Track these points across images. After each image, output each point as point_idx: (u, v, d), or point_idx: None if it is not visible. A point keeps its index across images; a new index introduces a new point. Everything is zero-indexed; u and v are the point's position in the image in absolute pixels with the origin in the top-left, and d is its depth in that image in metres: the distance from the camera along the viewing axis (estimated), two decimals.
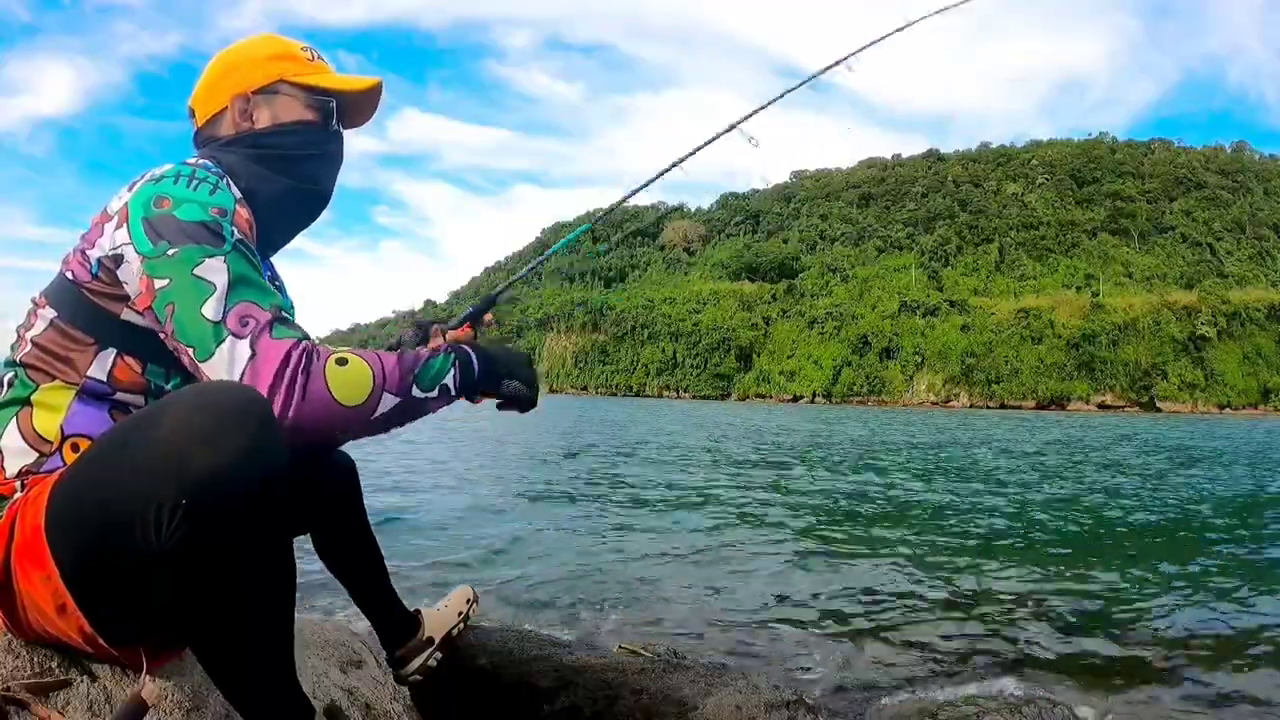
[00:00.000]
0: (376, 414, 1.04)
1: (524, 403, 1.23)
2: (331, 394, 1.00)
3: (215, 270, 1.03)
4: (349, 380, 1.01)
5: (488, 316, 1.43)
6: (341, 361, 1.02)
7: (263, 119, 1.25)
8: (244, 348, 0.99)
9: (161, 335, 1.07)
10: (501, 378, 1.20)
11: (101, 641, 1.01)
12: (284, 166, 1.24)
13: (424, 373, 1.09)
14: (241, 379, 0.98)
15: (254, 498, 0.93)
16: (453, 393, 1.13)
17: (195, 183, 1.09)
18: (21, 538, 0.99)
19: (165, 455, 0.89)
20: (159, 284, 1.02)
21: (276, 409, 0.96)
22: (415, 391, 1.08)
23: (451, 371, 1.12)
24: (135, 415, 1.01)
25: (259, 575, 1.01)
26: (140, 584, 0.95)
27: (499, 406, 1.24)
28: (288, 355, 0.99)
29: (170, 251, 1.03)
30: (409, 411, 1.08)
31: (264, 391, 0.96)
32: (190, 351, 1.01)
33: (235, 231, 1.08)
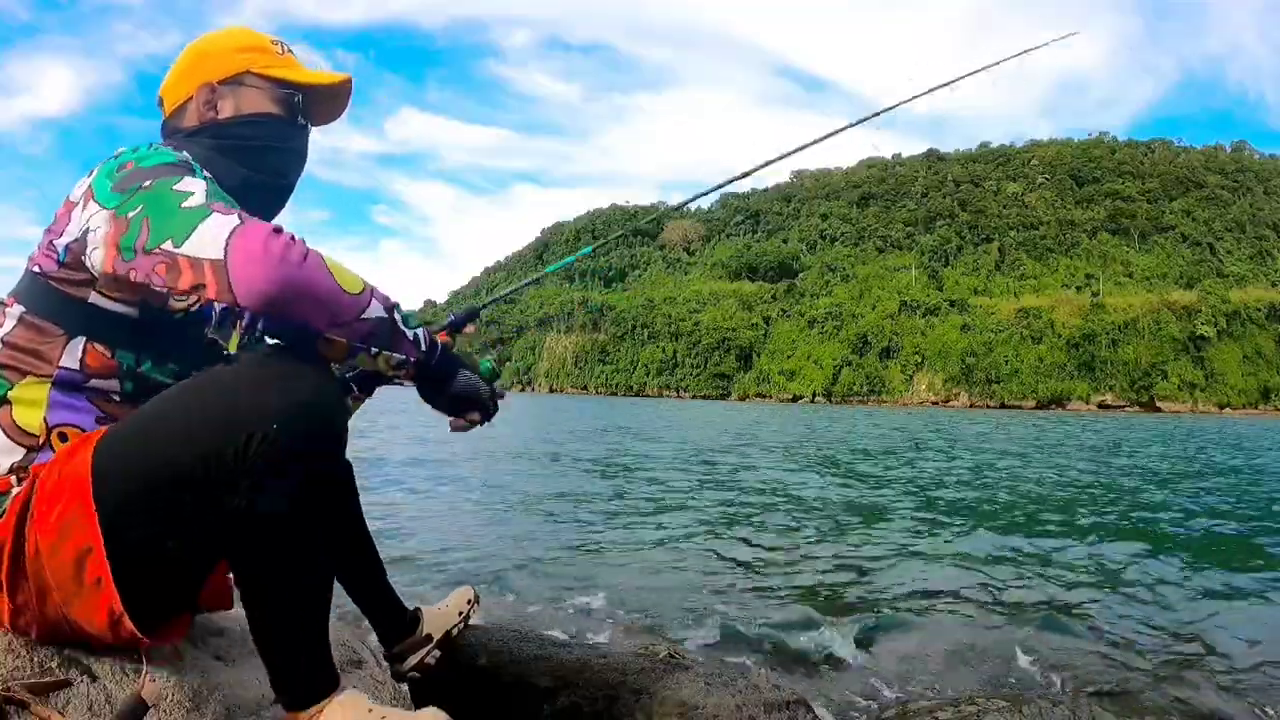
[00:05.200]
0: (364, 314, 1.02)
1: (480, 403, 1.22)
2: (329, 269, 0.99)
3: (194, 183, 1.03)
4: (344, 269, 1.01)
5: (469, 328, 1.43)
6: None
7: (226, 110, 1.24)
8: (232, 219, 0.97)
9: (129, 286, 1.05)
10: (459, 368, 1.19)
11: (123, 616, 1.01)
12: (244, 158, 1.23)
13: (402, 311, 1.10)
14: (230, 240, 0.95)
15: (332, 434, 1.02)
16: (421, 346, 1.12)
17: (155, 149, 1.11)
18: (44, 518, 0.99)
19: (247, 396, 0.96)
20: (132, 214, 1.00)
21: (274, 259, 0.93)
22: (397, 316, 1.07)
23: (422, 329, 1.13)
24: (200, 376, 1.04)
25: (315, 534, 1.03)
26: (198, 520, 0.98)
27: (455, 412, 1.22)
28: (278, 228, 0.98)
29: (145, 183, 1.02)
30: (386, 333, 1.06)
31: (260, 242, 0.94)
32: (166, 245, 0.97)
33: (205, 174, 1.09)
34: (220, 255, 0.94)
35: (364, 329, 1.03)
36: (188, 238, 0.96)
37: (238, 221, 0.97)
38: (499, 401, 1.26)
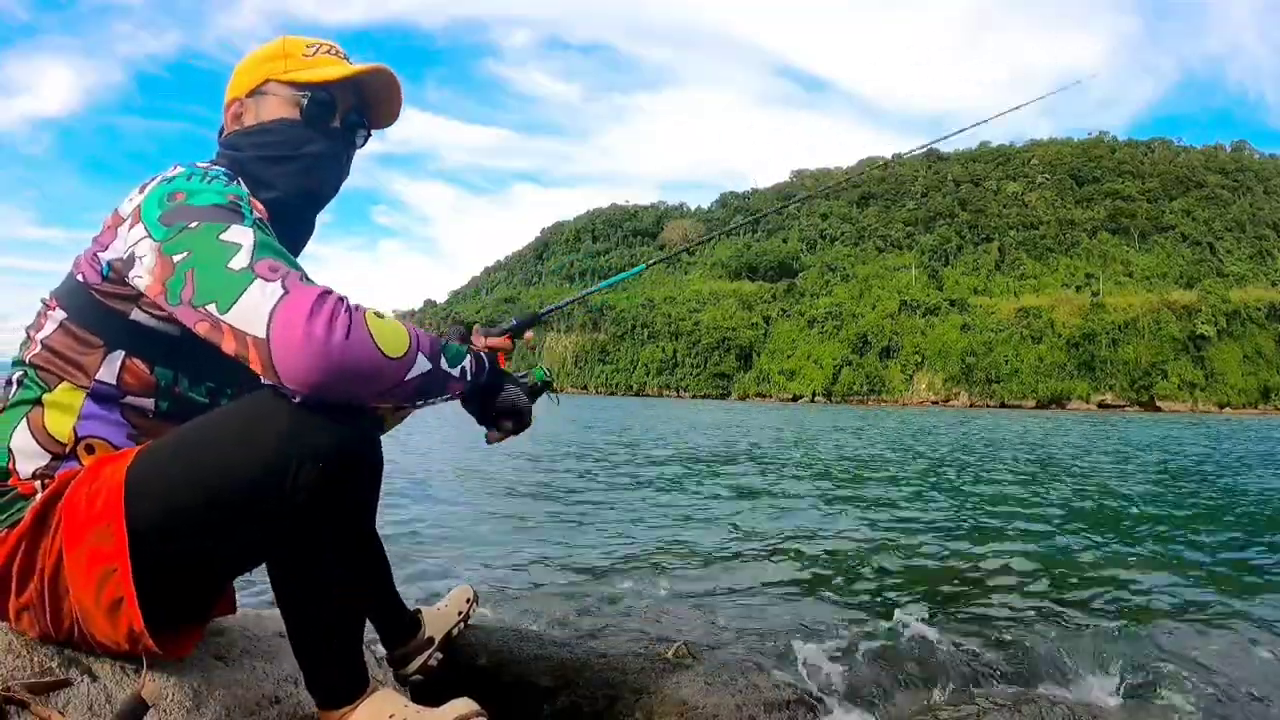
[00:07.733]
0: (410, 374, 1.01)
1: (520, 415, 1.26)
2: (373, 338, 0.97)
3: (240, 234, 1.01)
4: (388, 330, 0.99)
5: (528, 335, 1.42)
6: (378, 315, 1.01)
7: (248, 121, 1.23)
8: (275, 287, 0.95)
9: (172, 320, 1.05)
10: (504, 384, 1.24)
11: (144, 634, 1.01)
12: (261, 169, 1.20)
13: (446, 349, 1.09)
14: (272, 318, 0.94)
15: (373, 475, 1.08)
16: (468, 377, 1.13)
17: (208, 178, 1.09)
18: (72, 528, 1.00)
19: (296, 432, 0.97)
20: (177, 258, 1.00)
21: (317, 346, 0.92)
22: (443, 363, 1.07)
23: (468, 358, 1.14)
24: (247, 405, 1.04)
25: (351, 545, 1.09)
26: (231, 541, 1.01)
27: (494, 423, 1.26)
28: (325, 294, 0.96)
29: (191, 224, 1.01)
30: (434, 383, 1.07)
31: (301, 325, 0.92)
32: (211, 307, 0.97)
33: (255, 212, 1.08)
34: (263, 334, 0.94)
35: (411, 389, 1.03)
36: (232, 306, 0.96)
37: (281, 292, 0.95)
38: (557, 403, 1.32)
